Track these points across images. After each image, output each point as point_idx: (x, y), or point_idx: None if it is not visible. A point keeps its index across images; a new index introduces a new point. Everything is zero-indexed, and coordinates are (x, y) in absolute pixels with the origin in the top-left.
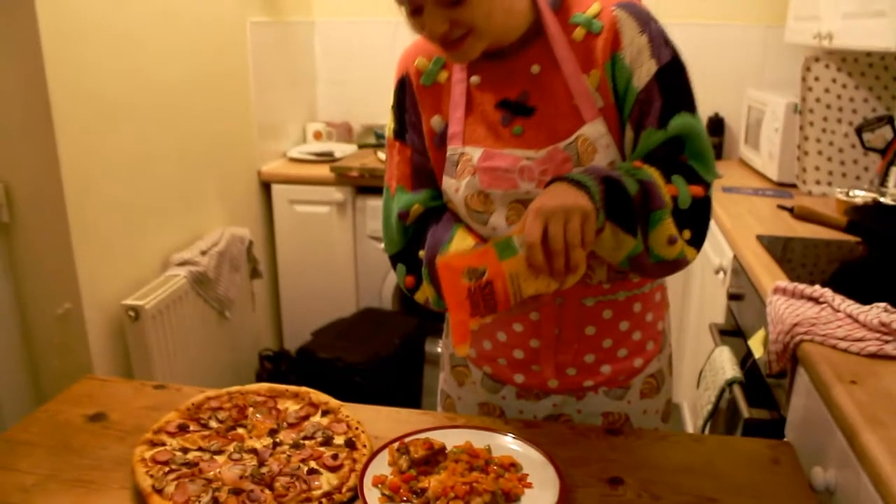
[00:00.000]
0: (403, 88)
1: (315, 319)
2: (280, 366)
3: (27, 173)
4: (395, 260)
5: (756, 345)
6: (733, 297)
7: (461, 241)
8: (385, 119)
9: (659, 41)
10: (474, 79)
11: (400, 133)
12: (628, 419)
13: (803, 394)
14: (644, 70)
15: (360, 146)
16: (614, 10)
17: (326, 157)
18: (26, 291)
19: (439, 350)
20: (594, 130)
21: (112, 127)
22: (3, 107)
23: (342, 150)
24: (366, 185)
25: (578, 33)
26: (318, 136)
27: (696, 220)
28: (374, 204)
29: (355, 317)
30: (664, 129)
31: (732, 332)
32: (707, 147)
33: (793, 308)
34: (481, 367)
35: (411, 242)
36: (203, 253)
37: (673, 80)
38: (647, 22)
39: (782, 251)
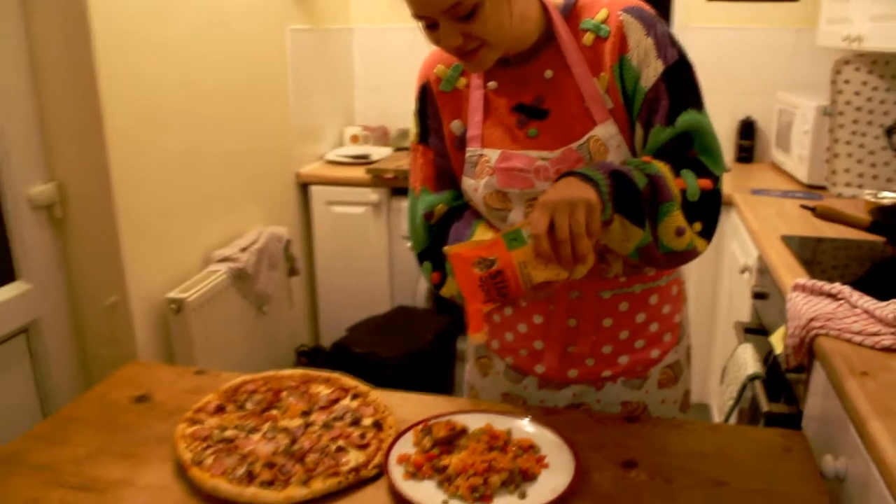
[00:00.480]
0: (425, 95)
1: (350, 316)
2: (316, 360)
3: (80, 173)
4: (421, 257)
5: (776, 341)
6: (758, 295)
7: (482, 236)
8: None
9: (664, 42)
10: (491, 84)
11: (423, 137)
12: (646, 408)
13: (819, 387)
14: (651, 70)
15: (396, 149)
16: (621, 15)
17: (363, 160)
18: (77, 284)
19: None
20: (605, 131)
21: (159, 130)
22: (59, 112)
23: (378, 152)
24: (401, 187)
25: (588, 38)
26: (354, 139)
27: (706, 212)
28: None
29: (389, 314)
30: (672, 125)
31: (757, 331)
32: (715, 142)
33: (811, 304)
34: (504, 358)
35: (436, 240)
36: (243, 250)
37: (679, 79)
38: (652, 24)
39: (806, 251)
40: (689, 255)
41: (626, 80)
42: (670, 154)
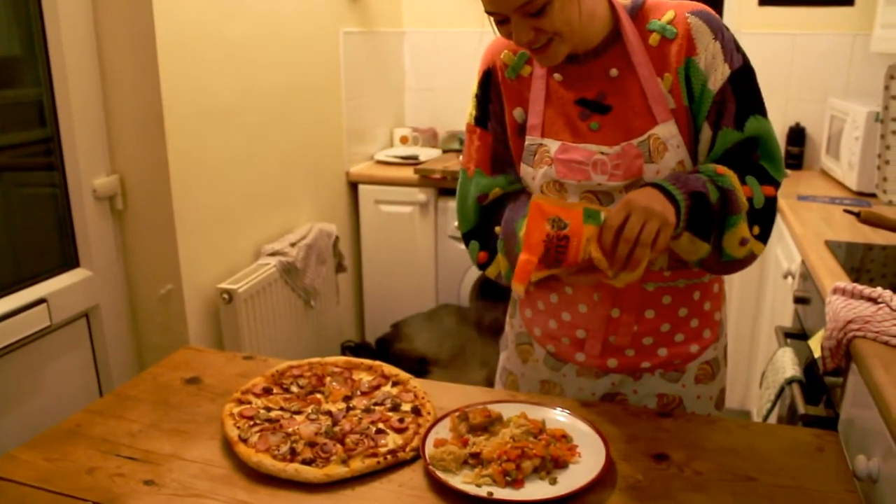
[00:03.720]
0: (489, 80)
1: (396, 314)
2: (360, 356)
3: (141, 167)
4: (468, 237)
5: (815, 344)
6: (800, 300)
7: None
8: None
9: (730, 47)
10: (556, 76)
11: (481, 121)
12: (682, 402)
13: (855, 390)
14: (718, 74)
15: (445, 151)
16: (688, 18)
17: (411, 161)
18: (135, 273)
19: None
20: (666, 131)
21: (216, 128)
22: (123, 109)
23: (427, 154)
24: (448, 188)
25: (654, 39)
26: (404, 140)
27: (765, 217)
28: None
29: (434, 312)
30: (740, 130)
31: (798, 335)
32: (777, 148)
33: (850, 307)
34: (545, 345)
35: (486, 221)
36: (292, 245)
37: (745, 84)
38: (719, 29)
39: (850, 256)
40: (749, 261)
41: (693, 82)
42: (735, 157)
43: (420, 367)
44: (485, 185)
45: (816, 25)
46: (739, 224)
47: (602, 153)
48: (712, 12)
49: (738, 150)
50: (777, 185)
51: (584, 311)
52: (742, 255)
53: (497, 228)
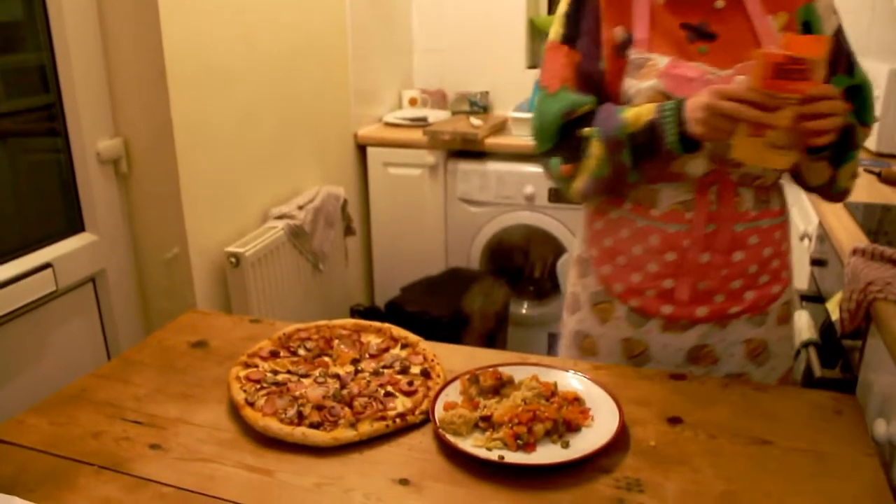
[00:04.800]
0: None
1: (405, 277)
2: (370, 320)
3: (144, 130)
4: (547, 155)
5: (833, 307)
6: (816, 262)
7: (636, 117)
8: (478, 86)
9: (834, 2)
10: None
11: (570, 39)
12: (767, 346)
13: (875, 352)
14: (831, 23)
15: (454, 113)
16: None
17: (420, 122)
18: (140, 236)
19: (523, 311)
20: None
21: (221, 90)
22: (125, 71)
23: (436, 115)
24: (458, 150)
25: None
26: (413, 102)
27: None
28: (466, 167)
29: (443, 275)
30: (852, 76)
31: (814, 298)
32: (872, 95)
33: (870, 268)
34: (627, 301)
35: (569, 137)
36: (300, 208)
37: (845, 36)
38: None
39: (869, 218)
40: (847, 194)
41: (813, 25)
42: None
43: (430, 330)
44: (573, 100)
45: None
46: (855, 158)
47: (713, 74)
48: None
49: (848, 96)
50: (870, 128)
51: (672, 258)
52: (850, 186)
53: (585, 130)
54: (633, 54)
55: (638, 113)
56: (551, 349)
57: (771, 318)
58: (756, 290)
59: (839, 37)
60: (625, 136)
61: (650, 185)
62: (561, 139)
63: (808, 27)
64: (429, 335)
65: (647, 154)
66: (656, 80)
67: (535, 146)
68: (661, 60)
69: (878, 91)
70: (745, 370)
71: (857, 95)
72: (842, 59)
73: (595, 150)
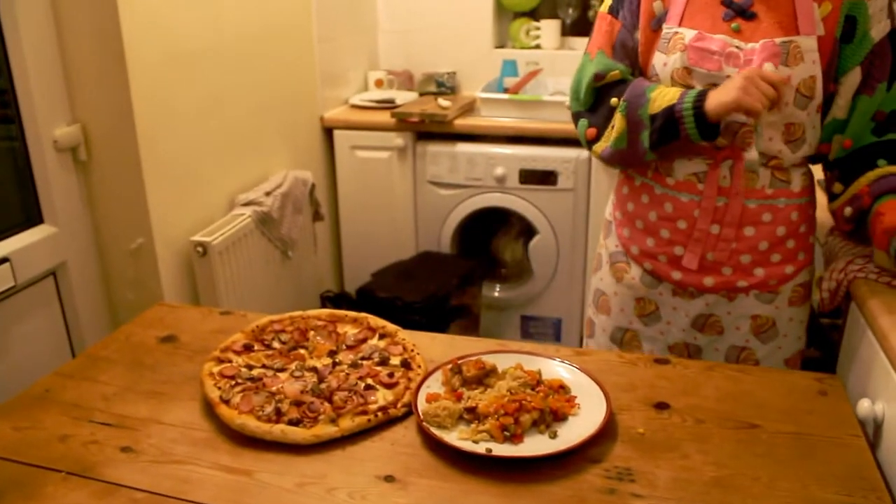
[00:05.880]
0: None
1: (375, 262)
2: (340, 306)
3: (103, 115)
4: (578, 116)
5: (812, 287)
6: None
7: (661, 96)
8: (445, 66)
9: (892, 5)
10: None
11: (615, 9)
12: (775, 324)
13: (855, 331)
14: (882, 26)
15: (421, 94)
16: None
17: (388, 104)
18: (103, 227)
19: (496, 294)
20: (807, 43)
21: (182, 72)
22: (81, 52)
23: (403, 97)
24: (426, 131)
25: None
26: (379, 83)
27: None
28: (435, 149)
29: (414, 259)
30: (891, 89)
31: None
32: None
33: (848, 246)
34: (642, 263)
35: (599, 100)
36: (267, 194)
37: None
38: None
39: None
40: None
41: (860, 22)
42: (887, 125)
43: (403, 315)
44: (606, 64)
45: None
46: None
47: (737, 47)
48: None
49: (890, 118)
50: None
51: (683, 227)
52: None
53: (614, 100)
54: (664, 29)
55: (663, 95)
56: (524, 332)
57: (782, 297)
58: (767, 267)
59: (890, 43)
60: (646, 118)
61: (663, 155)
62: (592, 103)
63: (852, 22)
64: (402, 321)
65: (666, 138)
66: (681, 53)
67: (570, 105)
68: (689, 33)
69: None
70: (749, 345)
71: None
72: (882, 68)
73: (618, 123)
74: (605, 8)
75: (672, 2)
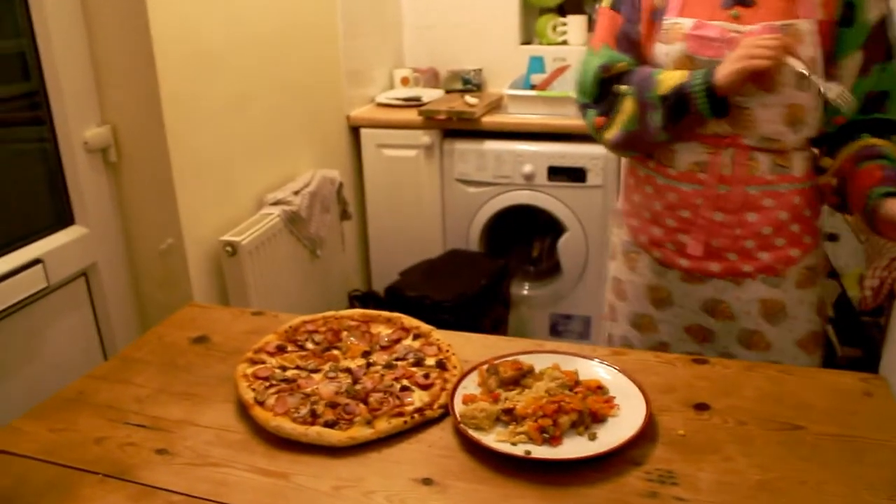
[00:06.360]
0: None
1: (403, 261)
2: (368, 305)
3: (133, 116)
4: (585, 107)
5: (850, 283)
6: (829, 237)
7: (668, 78)
8: (471, 63)
9: None
10: None
11: (616, 4)
12: (784, 307)
13: None
14: (877, 11)
15: (447, 91)
16: None
17: (414, 102)
18: (133, 227)
19: (525, 293)
20: (806, 26)
21: (211, 73)
22: (111, 54)
23: (429, 95)
24: (453, 129)
25: None
26: (405, 81)
27: None
28: (462, 147)
29: (442, 257)
30: (885, 69)
31: (828, 274)
32: None
33: (892, 245)
34: (651, 252)
35: (605, 91)
36: (296, 193)
37: (892, 28)
38: None
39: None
40: None
41: (858, 5)
42: (876, 103)
43: (432, 314)
44: (611, 57)
45: None
46: None
47: (737, 31)
48: None
49: (876, 98)
50: None
51: (686, 216)
52: None
53: (622, 87)
54: (665, 21)
55: (671, 76)
56: (553, 331)
57: (789, 281)
58: (771, 251)
59: (884, 26)
60: (657, 98)
61: (670, 146)
62: (598, 94)
63: (850, 6)
64: (431, 320)
65: (677, 116)
66: (681, 42)
67: (577, 98)
68: (688, 22)
69: None
70: (759, 328)
71: (884, 99)
72: (879, 50)
73: (628, 106)
74: (606, 3)
75: None
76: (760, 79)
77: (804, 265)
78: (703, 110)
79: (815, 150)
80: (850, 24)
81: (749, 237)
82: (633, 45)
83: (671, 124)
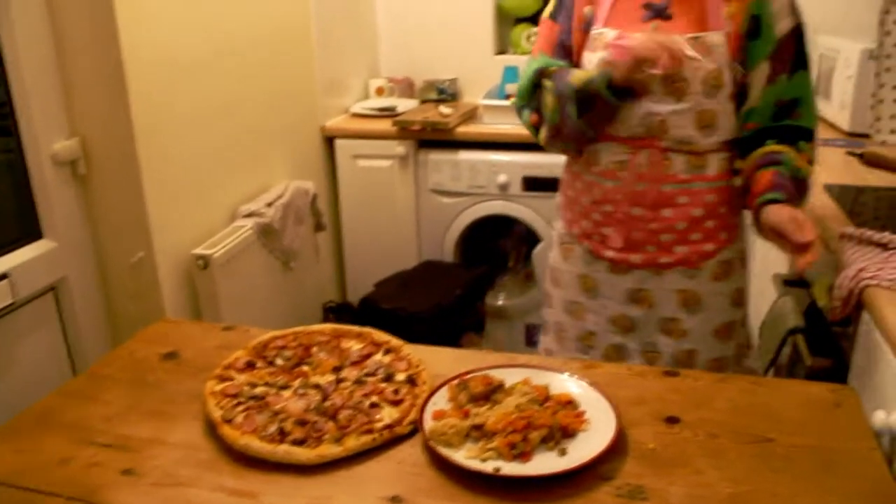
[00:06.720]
0: None
1: (378, 272)
2: (343, 317)
3: (103, 128)
4: (521, 108)
5: (820, 292)
6: None
7: (583, 71)
8: (446, 73)
9: (795, 3)
10: None
11: (554, 15)
12: (700, 299)
13: (867, 339)
14: (784, 24)
15: (423, 101)
16: None
17: (389, 112)
18: (103, 241)
19: (500, 303)
20: (715, 38)
21: (182, 83)
22: (79, 63)
23: (404, 104)
24: (428, 139)
25: None
26: (380, 91)
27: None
28: (437, 157)
29: (417, 269)
30: (791, 80)
31: (797, 283)
32: (815, 102)
33: (860, 253)
34: (582, 243)
35: (537, 91)
36: (269, 205)
37: (802, 40)
38: None
39: (850, 199)
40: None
41: (763, 20)
42: (785, 111)
43: (407, 326)
44: (546, 62)
45: None
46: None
47: (655, 31)
48: None
49: (789, 105)
50: (815, 140)
51: (609, 210)
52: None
53: (546, 83)
54: (592, 31)
55: (584, 72)
56: (529, 341)
57: (704, 273)
58: (687, 245)
59: (792, 38)
60: (570, 90)
61: (595, 145)
62: (532, 95)
63: (756, 20)
64: (406, 332)
65: (588, 106)
66: (603, 50)
67: (515, 102)
68: (611, 33)
69: (850, 71)
70: (677, 316)
71: (799, 106)
72: (784, 60)
73: (549, 101)
74: (546, 14)
75: (599, 6)
76: (668, 84)
77: (720, 259)
78: (605, 95)
79: (730, 153)
80: (756, 36)
81: (665, 231)
82: (569, 52)
83: (585, 114)
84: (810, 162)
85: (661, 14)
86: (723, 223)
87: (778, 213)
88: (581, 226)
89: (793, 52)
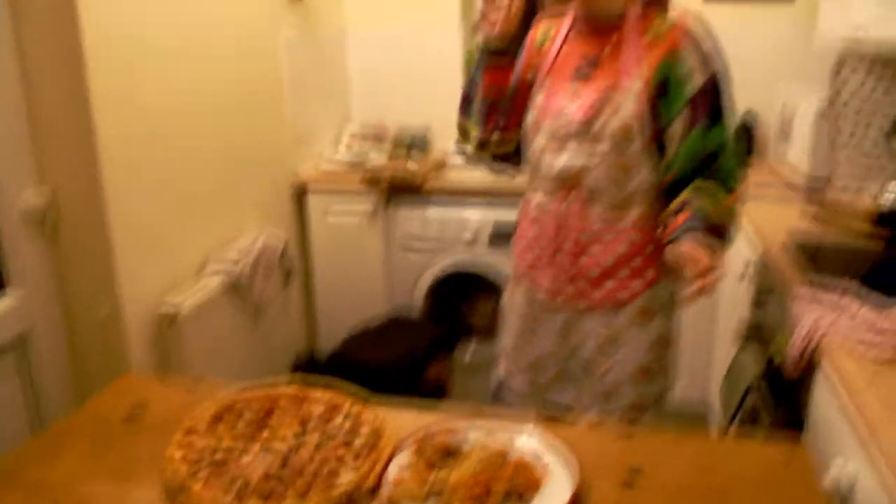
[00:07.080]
0: (526, 42)
1: (349, 322)
2: (311, 373)
3: (72, 180)
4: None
5: (779, 347)
6: (758, 298)
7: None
8: (418, 119)
9: (713, 56)
10: (567, 42)
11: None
12: (616, 341)
13: (822, 395)
14: (695, 82)
15: (394, 151)
16: (683, 24)
17: (359, 165)
18: (70, 293)
19: (468, 356)
20: (624, 96)
21: (152, 136)
22: (49, 116)
23: (374, 157)
24: (398, 194)
25: (651, 31)
26: (351, 143)
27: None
28: (406, 213)
29: (386, 324)
30: (707, 134)
31: (756, 334)
32: (735, 156)
33: (813, 312)
34: (522, 284)
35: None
36: (237, 260)
37: (717, 92)
38: (705, 38)
39: (807, 252)
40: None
41: (672, 80)
42: (706, 163)
43: (374, 380)
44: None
45: (760, 20)
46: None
47: (570, 102)
48: (704, 21)
49: (708, 158)
50: (737, 189)
51: (537, 253)
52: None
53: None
54: (534, 92)
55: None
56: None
57: (621, 317)
58: (602, 291)
59: (705, 94)
60: (469, 56)
61: (531, 192)
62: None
63: (665, 81)
64: (373, 385)
65: (477, 65)
66: (532, 110)
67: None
68: (540, 98)
69: (808, 119)
70: (597, 358)
71: (719, 158)
72: (699, 115)
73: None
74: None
75: (540, 72)
76: (582, 139)
77: (638, 305)
78: (480, 55)
79: (653, 199)
80: (665, 95)
81: (581, 277)
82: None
83: (479, 71)
84: (731, 209)
85: (581, 76)
86: (649, 261)
87: (673, 250)
88: (525, 263)
89: (708, 106)
